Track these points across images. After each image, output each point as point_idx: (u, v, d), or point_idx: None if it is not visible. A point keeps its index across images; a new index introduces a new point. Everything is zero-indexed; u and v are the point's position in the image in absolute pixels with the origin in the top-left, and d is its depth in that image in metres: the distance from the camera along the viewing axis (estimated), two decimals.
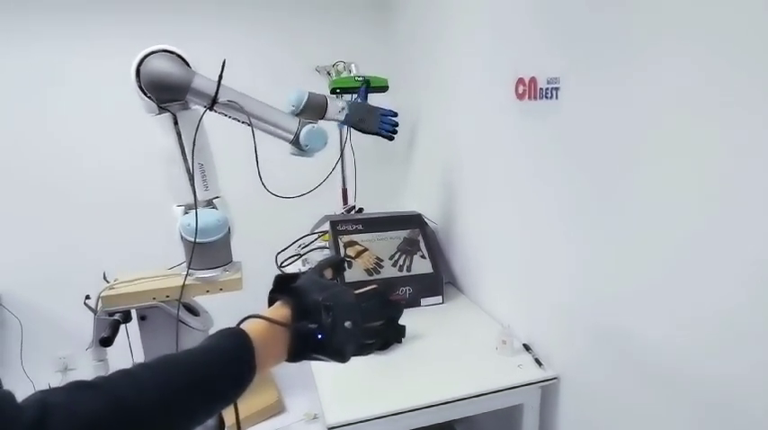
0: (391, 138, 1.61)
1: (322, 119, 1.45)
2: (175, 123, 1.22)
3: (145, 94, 1.21)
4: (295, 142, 1.36)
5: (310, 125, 1.35)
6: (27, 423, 0.38)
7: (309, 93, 1.41)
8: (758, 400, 0.74)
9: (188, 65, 1.24)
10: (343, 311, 0.61)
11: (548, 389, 1.23)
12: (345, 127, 1.68)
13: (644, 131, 0.89)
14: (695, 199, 0.80)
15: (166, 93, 1.21)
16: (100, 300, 1.20)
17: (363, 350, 0.66)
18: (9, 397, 0.40)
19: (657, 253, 0.89)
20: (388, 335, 0.74)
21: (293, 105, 1.39)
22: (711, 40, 0.75)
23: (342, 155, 1.88)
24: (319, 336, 0.59)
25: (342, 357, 0.62)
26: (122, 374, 0.47)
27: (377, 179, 2.28)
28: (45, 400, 0.40)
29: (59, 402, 0.41)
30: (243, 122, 1.29)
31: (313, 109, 1.42)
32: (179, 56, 1.23)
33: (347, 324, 0.61)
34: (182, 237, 1.26)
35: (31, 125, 2.07)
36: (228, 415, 1.39)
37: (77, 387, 0.44)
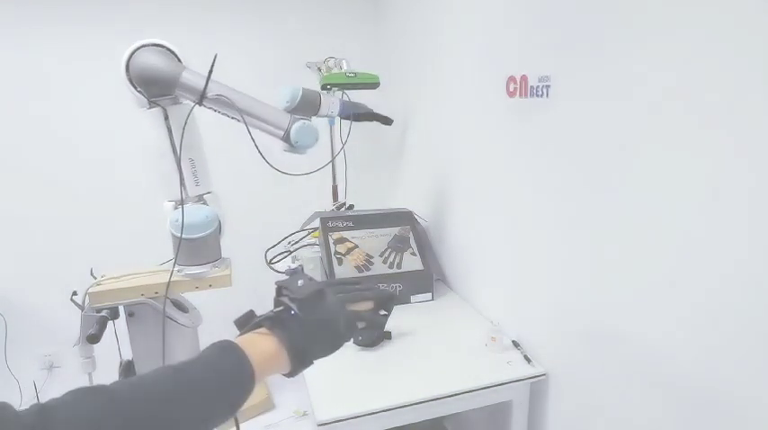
0: (390, 122, 1.62)
1: (316, 115, 1.44)
2: (166, 118, 1.21)
3: (135, 88, 1.20)
4: (285, 138, 1.35)
5: (301, 122, 1.34)
6: (28, 425, 0.38)
7: (303, 88, 1.39)
8: (749, 399, 0.75)
9: (178, 59, 1.23)
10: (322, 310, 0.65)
11: (537, 386, 1.24)
12: (336, 123, 1.68)
13: (636, 130, 0.89)
14: (686, 197, 0.81)
15: (155, 87, 1.20)
16: (87, 297, 1.18)
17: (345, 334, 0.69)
18: (7, 405, 0.40)
19: (646, 252, 0.90)
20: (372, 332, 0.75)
21: (287, 102, 1.37)
22: (703, 38, 0.75)
23: (342, 148, 1.87)
24: (292, 312, 0.62)
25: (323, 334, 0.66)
26: (122, 381, 0.47)
27: (368, 176, 2.28)
28: (44, 405, 0.41)
29: (58, 404, 0.41)
30: (233, 118, 1.28)
31: (307, 105, 1.41)
32: (170, 50, 1.22)
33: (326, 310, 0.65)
34: (172, 233, 1.25)
35: (14, 122, 2.03)
36: None
37: (76, 391, 0.43)
